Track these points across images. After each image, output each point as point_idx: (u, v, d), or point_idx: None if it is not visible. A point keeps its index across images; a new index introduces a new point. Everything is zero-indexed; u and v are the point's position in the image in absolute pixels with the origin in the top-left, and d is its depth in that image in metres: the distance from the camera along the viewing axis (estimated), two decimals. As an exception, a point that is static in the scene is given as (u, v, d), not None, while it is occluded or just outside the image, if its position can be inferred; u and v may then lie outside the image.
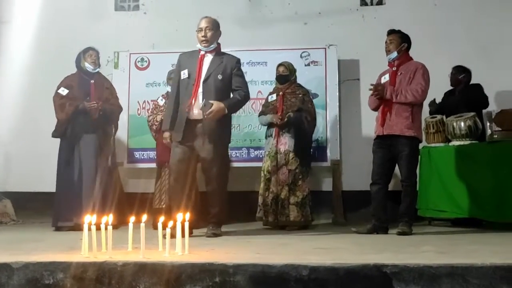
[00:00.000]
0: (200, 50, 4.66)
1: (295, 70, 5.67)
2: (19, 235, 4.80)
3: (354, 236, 4.45)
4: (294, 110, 5.39)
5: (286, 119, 5.33)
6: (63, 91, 5.43)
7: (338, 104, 6.34)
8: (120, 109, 5.80)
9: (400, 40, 4.82)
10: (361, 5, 6.84)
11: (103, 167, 5.44)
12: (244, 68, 6.42)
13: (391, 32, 4.90)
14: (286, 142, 5.37)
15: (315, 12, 6.82)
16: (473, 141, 5.30)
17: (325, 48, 6.40)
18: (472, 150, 5.23)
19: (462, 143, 5.30)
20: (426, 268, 2.48)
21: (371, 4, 6.86)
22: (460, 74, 5.79)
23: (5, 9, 6.85)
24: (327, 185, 6.49)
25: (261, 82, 6.43)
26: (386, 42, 4.88)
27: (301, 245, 3.76)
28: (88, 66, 5.52)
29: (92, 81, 5.50)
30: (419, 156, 5.06)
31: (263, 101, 5.83)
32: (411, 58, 4.84)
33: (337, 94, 6.36)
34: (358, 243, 3.85)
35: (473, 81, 5.80)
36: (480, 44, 6.44)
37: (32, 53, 6.39)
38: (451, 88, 5.86)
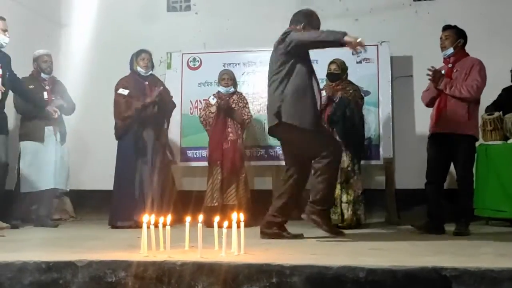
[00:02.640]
0: None
1: (346, 69, 5.63)
2: (79, 232, 4.96)
3: (409, 236, 4.38)
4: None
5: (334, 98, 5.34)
6: (124, 91, 5.53)
7: (391, 101, 6.25)
8: (174, 105, 5.89)
9: (456, 36, 4.71)
10: (414, 0, 6.70)
11: (160, 164, 5.53)
12: (296, 66, 6.51)
13: (446, 27, 4.79)
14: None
15: (367, 8, 6.74)
16: (534, 139, 5.14)
17: (377, 45, 6.30)
18: (533, 148, 5.08)
19: (521, 140, 5.15)
20: (487, 272, 2.42)
21: (425, -1, 6.73)
22: None
23: (65, 13, 7.08)
24: (379, 183, 6.40)
25: (312, 80, 6.39)
26: (441, 38, 4.77)
27: (356, 245, 3.74)
28: (141, 70, 5.64)
29: (146, 83, 5.63)
30: (476, 155, 4.93)
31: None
32: (467, 54, 4.72)
33: (390, 91, 6.27)
34: (414, 243, 3.80)
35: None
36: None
37: (90, 55, 6.57)
38: (510, 84, 5.67)
